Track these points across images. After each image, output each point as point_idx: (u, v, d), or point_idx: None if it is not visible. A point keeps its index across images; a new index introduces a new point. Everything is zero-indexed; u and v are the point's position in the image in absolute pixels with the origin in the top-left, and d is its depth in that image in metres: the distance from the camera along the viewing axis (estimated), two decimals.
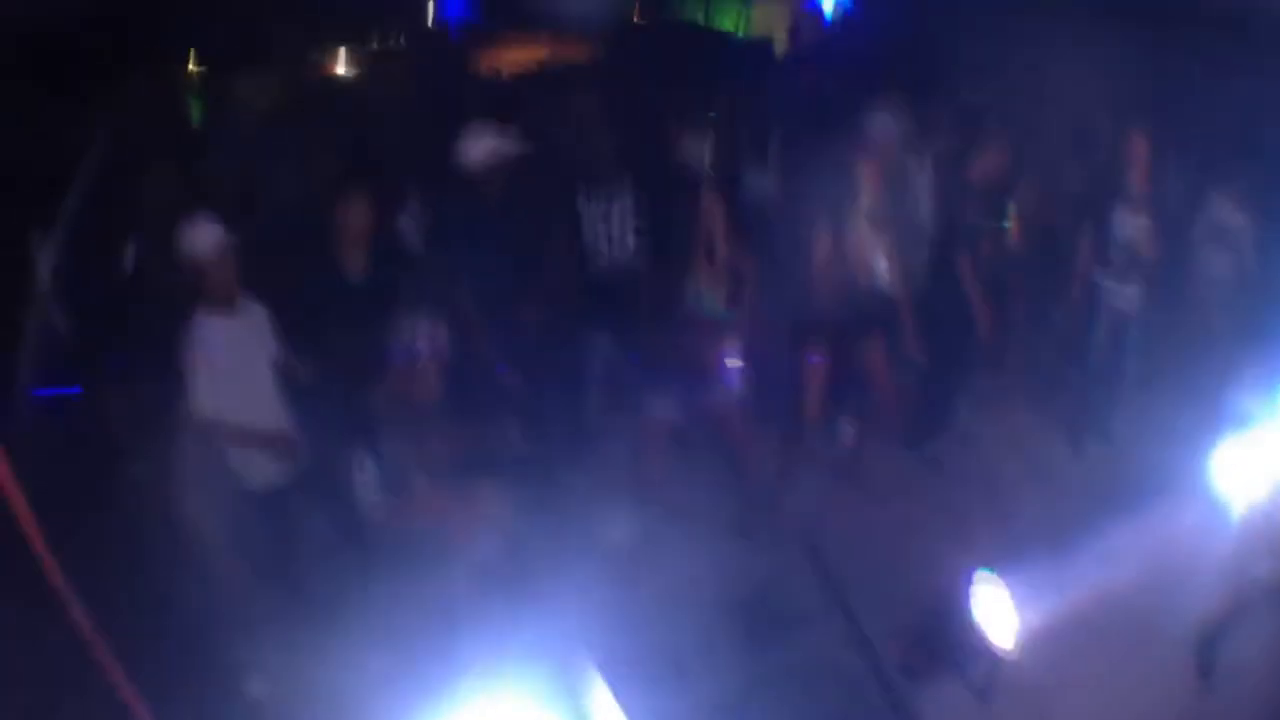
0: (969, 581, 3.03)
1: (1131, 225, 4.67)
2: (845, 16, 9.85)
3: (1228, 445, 3.79)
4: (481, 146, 4.20)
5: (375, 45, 14.73)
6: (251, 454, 3.61)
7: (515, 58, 15.19)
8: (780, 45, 12.83)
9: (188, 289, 3.55)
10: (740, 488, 4.12)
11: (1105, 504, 4.17)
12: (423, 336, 2.87)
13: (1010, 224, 4.70)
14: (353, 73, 13.63)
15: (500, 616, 3.61)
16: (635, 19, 15.59)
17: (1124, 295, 4.79)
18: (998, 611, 3.07)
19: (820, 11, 9.98)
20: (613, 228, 4.38)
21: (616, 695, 2.84)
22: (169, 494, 4.51)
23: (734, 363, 3.56)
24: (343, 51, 13.70)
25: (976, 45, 7.62)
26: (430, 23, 10.39)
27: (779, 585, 2.65)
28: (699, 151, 4.82)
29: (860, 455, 4.52)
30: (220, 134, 7.18)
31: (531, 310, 4.35)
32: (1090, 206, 4.85)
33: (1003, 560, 3.45)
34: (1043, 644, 3.22)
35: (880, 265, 3.99)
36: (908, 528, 4.14)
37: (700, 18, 15.02)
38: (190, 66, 12.07)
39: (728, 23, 14.81)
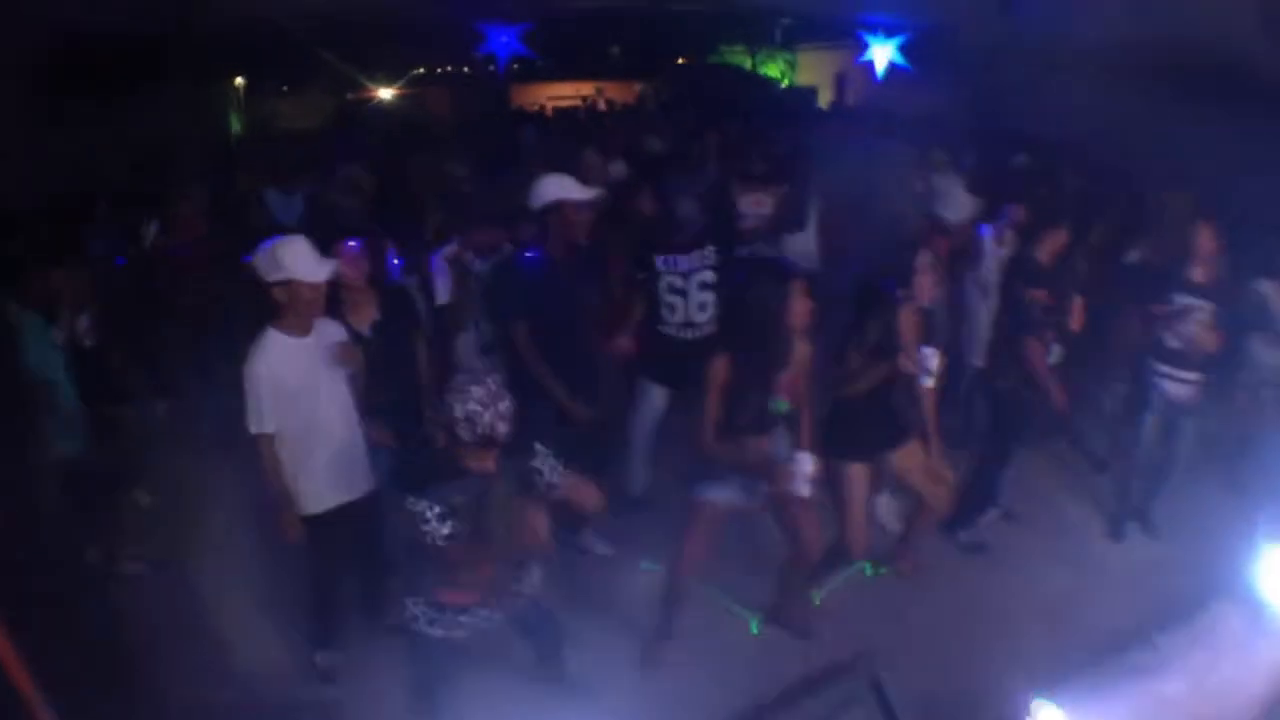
0: (1023, 703, 2.82)
1: (1193, 313, 4.49)
2: (900, 73, 9.68)
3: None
4: (554, 191, 4.03)
5: (426, 80, 14.81)
6: (310, 477, 3.42)
7: (563, 94, 15.29)
8: (826, 97, 12.83)
9: (265, 308, 3.36)
10: (786, 578, 3.91)
11: (1151, 602, 3.90)
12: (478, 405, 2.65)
13: (1074, 304, 4.50)
14: (401, 106, 13.71)
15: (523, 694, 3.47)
16: (680, 61, 15.64)
17: (1181, 385, 4.58)
18: None
19: (871, 66, 9.85)
20: (689, 288, 4.26)
21: None
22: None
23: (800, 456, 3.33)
24: (393, 85, 13.78)
25: (1038, 114, 7.51)
26: (483, 60, 10.34)
27: (822, 692, 2.44)
28: (761, 211, 4.69)
29: (905, 543, 4.31)
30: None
31: (592, 362, 4.21)
32: (1151, 291, 4.63)
33: (1051, 670, 3.25)
34: None
35: (929, 357, 3.76)
36: (954, 628, 3.90)
37: (746, 64, 14.97)
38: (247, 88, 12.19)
39: (773, 70, 14.74)
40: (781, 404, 3.32)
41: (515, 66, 11.21)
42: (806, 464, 3.24)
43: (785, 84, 14.17)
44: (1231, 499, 4.81)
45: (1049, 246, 4.42)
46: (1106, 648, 3.34)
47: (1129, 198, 6.01)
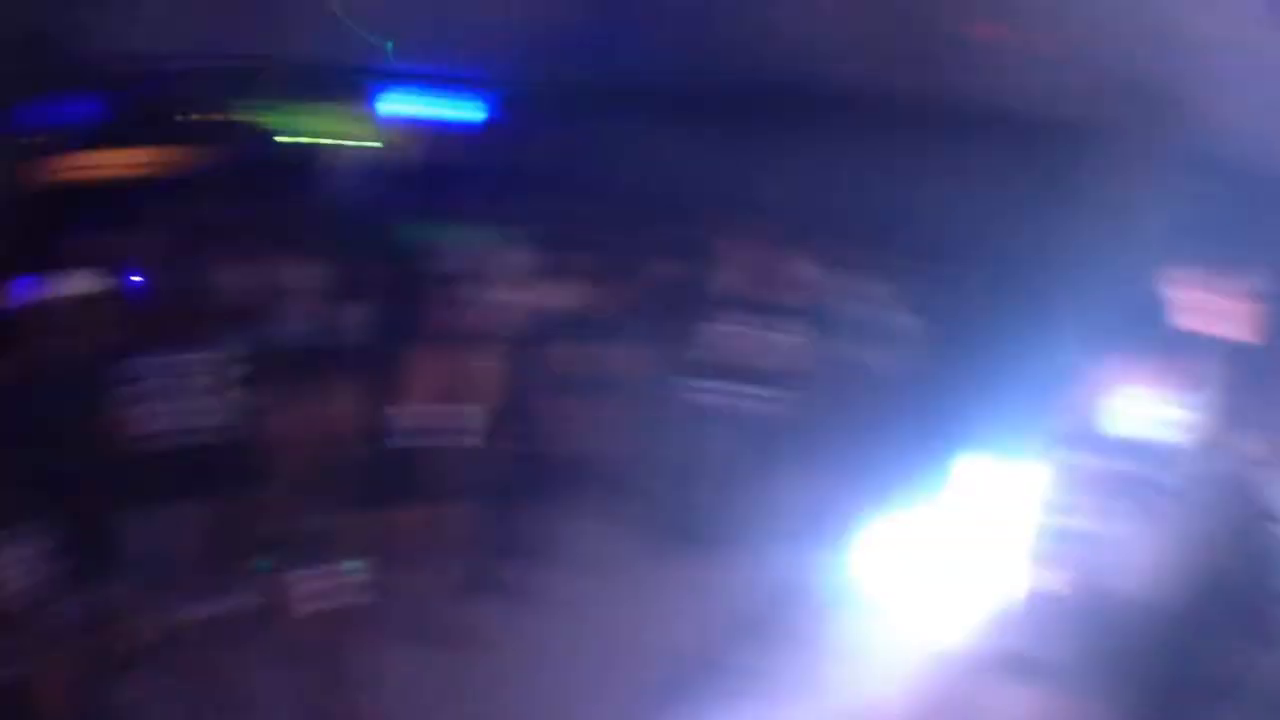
0: None
1: (733, 327, 4.74)
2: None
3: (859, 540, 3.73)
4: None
5: None
6: None
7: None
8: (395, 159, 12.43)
9: None
10: None
11: (727, 620, 4.09)
12: None
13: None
14: None
15: None
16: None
17: (724, 396, 4.80)
18: None
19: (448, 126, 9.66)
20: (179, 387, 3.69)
21: None
22: None
23: None
24: None
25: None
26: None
27: None
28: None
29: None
30: None
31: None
32: (687, 309, 4.89)
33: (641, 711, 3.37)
34: None
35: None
36: (527, 690, 3.78)
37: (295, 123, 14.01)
38: None
39: (327, 129, 13.93)
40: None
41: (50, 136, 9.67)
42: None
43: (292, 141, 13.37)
44: (787, 499, 5.00)
45: (580, 296, 4.52)
46: (692, 676, 3.56)
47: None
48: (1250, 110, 5.78)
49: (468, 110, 9.88)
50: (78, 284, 3.63)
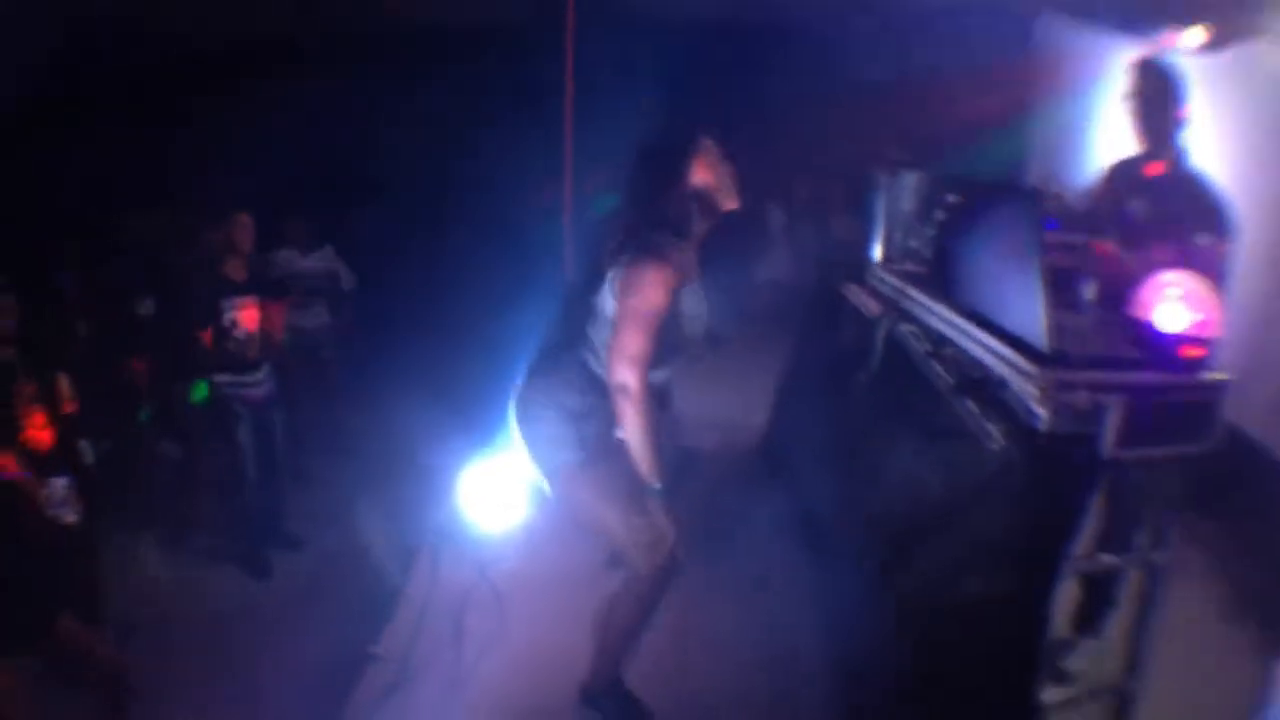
0: None
1: (242, 309, 4.36)
2: None
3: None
4: None
5: None
6: None
7: None
8: None
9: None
10: None
11: (346, 609, 3.92)
12: None
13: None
14: None
15: None
16: None
17: (256, 386, 4.42)
18: None
19: None
20: None
21: None
22: None
23: None
24: None
25: None
26: None
27: None
28: None
29: None
30: None
31: None
32: (201, 306, 4.35)
33: None
34: None
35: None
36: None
37: None
38: None
39: None
40: None
41: None
42: None
43: None
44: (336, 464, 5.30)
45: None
46: (332, 678, 3.30)
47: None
48: None
49: None
50: None
